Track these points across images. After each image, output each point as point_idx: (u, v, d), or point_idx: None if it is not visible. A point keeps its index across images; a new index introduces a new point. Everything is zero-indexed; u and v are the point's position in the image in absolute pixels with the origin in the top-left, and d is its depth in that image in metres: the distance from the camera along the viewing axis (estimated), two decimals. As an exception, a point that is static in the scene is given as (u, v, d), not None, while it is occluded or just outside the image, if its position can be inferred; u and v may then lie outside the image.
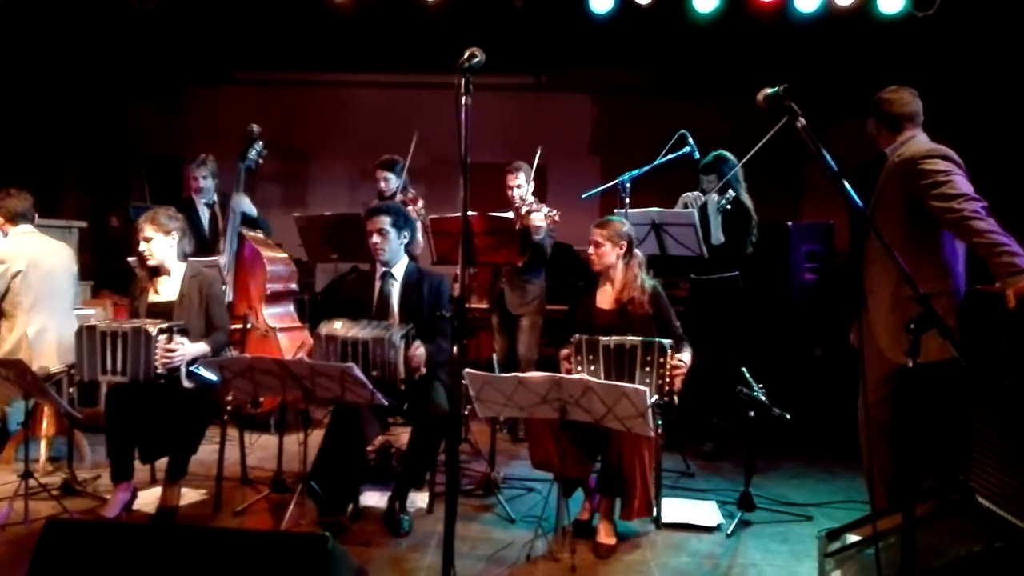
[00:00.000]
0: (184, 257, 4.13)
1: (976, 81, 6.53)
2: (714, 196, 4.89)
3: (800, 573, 3.45)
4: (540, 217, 5.07)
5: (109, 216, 8.07)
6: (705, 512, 4.07)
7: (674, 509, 4.06)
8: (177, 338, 3.82)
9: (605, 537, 3.63)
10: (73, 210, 7.20)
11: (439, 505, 4.02)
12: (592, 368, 3.81)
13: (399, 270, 4.17)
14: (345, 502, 3.80)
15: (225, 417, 4.27)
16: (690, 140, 5.03)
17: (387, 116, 7.72)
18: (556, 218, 5.13)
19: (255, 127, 5.49)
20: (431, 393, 3.92)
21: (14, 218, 4.58)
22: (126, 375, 3.75)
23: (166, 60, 8.02)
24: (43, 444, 4.54)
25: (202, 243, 5.31)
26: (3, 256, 4.45)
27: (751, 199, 5.01)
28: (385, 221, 4.07)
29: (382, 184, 5.57)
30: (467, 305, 2.75)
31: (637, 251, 4.08)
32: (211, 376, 3.81)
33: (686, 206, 5.07)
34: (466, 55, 2.67)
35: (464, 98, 2.65)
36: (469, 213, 2.75)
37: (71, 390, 4.61)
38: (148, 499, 4.01)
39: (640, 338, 3.78)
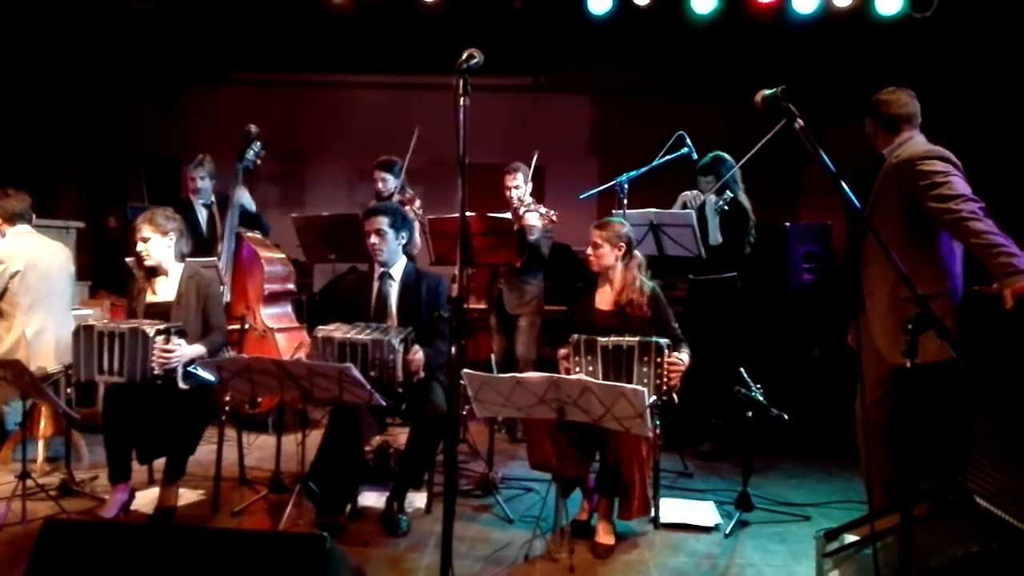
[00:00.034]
0: (182, 258, 4.12)
1: (974, 82, 6.54)
2: (712, 197, 4.90)
3: (798, 573, 3.45)
4: (535, 217, 5.07)
5: (107, 216, 8.08)
6: (703, 512, 4.08)
7: (672, 509, 4.06)
8: (174, 339, 3.82)
9: (603, 537, 3.63)
10: (71, 210, 7.20)
11: (437, 505, 4.03)
12: (590, 368, 3.81)
13: (397, 271, 4.17)
14: (343, 502, 3.80)
15: (223, 417, 4.28)
16: (688, 141, 5.03)
17: (385, 117, 7.71)
18: (554, 218, 5.14)
19: (253, 128, 5.49)
20: (429, 393, 3.92)
21: (12, 218, 4.57)
22: (123, 375, 3.75)
23: (164, 60, 8.02)
24: (41, 444, 4.53)
25: (200, 244, 5.30)
26: (1, 256, 4.45)
27: (749, 200, 5.02)
28: (383, 222, 4.07)
29: (380, 185, 5.58)
30: (465, 305, 2.76)
31: (637, 252, 4.09)
32: (209, 376, 3.80)
33: (685, 205, 5.08)
34: (464, 56, 2.68)
35: (463, 99, 2.65)
36: (467, 214, 2.75)
37: (69, 390, 4.62)
38: (146, 499, 4.01)
39: (638, 338, 3.78)
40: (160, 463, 3.97)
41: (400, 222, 4.14)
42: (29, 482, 3.85)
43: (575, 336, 3.87)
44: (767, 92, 2.51)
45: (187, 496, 4.12)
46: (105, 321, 4.29)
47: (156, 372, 3.74)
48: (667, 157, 5.03)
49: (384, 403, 3.57)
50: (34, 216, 4.71)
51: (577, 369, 3.83)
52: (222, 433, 4.26)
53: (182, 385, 3.84)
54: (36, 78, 7.22)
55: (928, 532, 2.70)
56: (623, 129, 8.16)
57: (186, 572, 2.39)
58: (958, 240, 3.28)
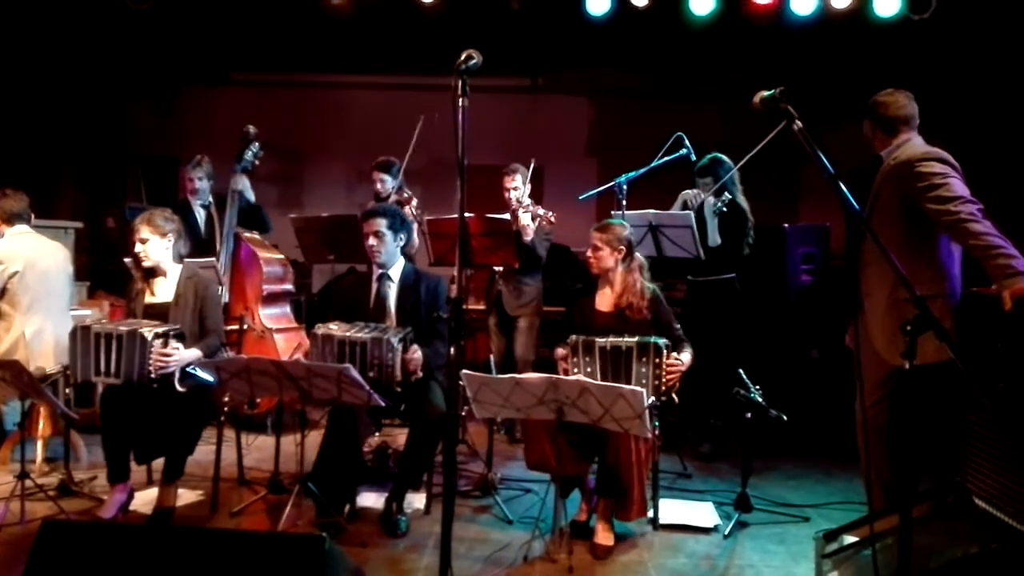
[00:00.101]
0: (180, 259, 4.12)
1: (972, 84, 6.55)
2: (710, 198, 4.90)
3: (797, 574, 3.46)
4: (528, 218, 5.07)
5: (105, 217, 8.08)
6: (702, 513, 4.08)
7: (671, 510, 4.06)
8: (172, 343, 3.81)
9: (602, 538, 3.63)
10: (69, 211, 7.20)
11: (436, 506, 4.03)
12: (588, 369, 3.81)
13: (396, 272, 4.17)
14: (342, 503, 3.79)
15: (222, 418, 4.27)
16: (686, 142, 5.04)
17: (384, 118, 7.70)
18: (552, 220, 5.14)
19: (251, 128, 5.49)
20: (428, 394, 3.91)
21: (10, 218, 4.57)
22: (119, 377, 3.74)
23: (163, 61, 8.01)
24: (39, 445, 4.52)
25: (198, 244, 5.30)
26: (0, 257, 4.45)
27: (747, 201, 5.02)
28: (381, 224, 4.07)
29: (378, 186, 5.58)
30: (464, 306, 2.76)
31: (638, 255, 4.09)
32: (207, 377, 3.80)
33: (685, 204, 5.09)
34: (463, 57, 2.68)
35: (461, 100, 2.66)
36: (466, 214, 2.75)
37: (67, 391, 4.62)
38: (145, 500, 4.01)
39: (636, 338, 3.78)
40: (159, 463, 3.97)
41: (398, 223, 4.14)
42: (28, 482, 3.85)
43: (573, 337, 3.87)
44: (766, 93, 2.51)
45: (186, 496, 4.12)
46: (103, 322, 4.29)
47: (153, 376, 3.74)
48: (666, 158, 5.03)
49: (383, 403, 3.57)
50: (33, 216, 4.71)
51: (575, 370, 3.83)
52: (221, 433, 4.25)
53: (179, 388, 3.83)
54: (35, 78, 7.21)
55: (927, 533, 2.70)
56: (621, 130, 8.16)
57: (185, 572, 2.39)
58: (957, 241, 3.29)
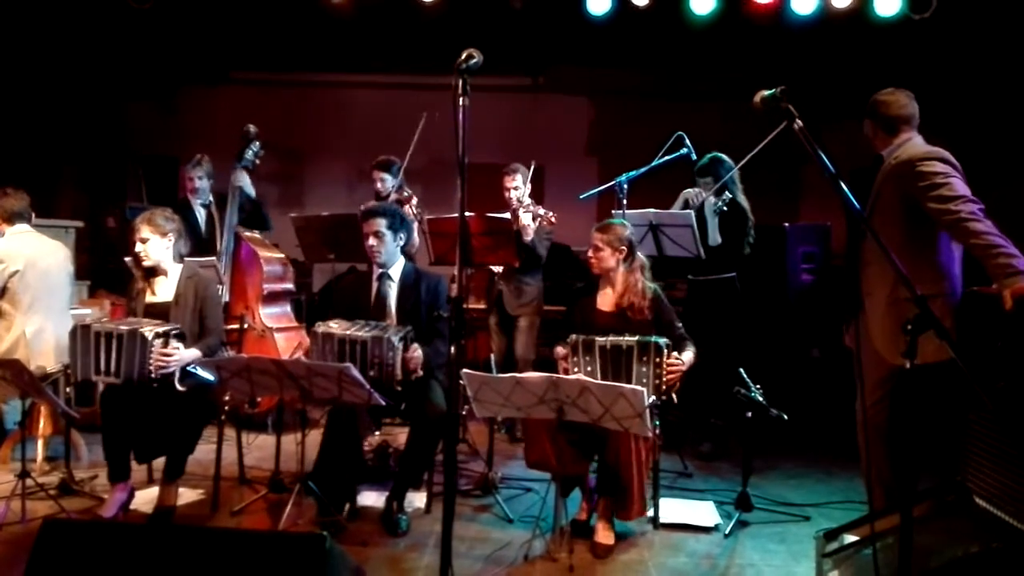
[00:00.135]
0: (180, 258, 4.12)
1: (973, 83, 6.54)
2: (711, 198, 4.90)
3: (798, 573, 3.46)
4: (528, 218, 5.07)
5: (106, 216, 8.07)
6: (703, 512, 4.08)
7: (672, 509, 4.06)
8: (173, 343, 3.81)
9: (603, 537, 3.63)
10: (70, 210, 7.19)
11: (437, 505, 4.03)
12: (588, 368, 3.81)
13: (396, 271, 4.17)
14: (343, 502, 3.80)
15: (222, 417, 4.28)
16: (687, 141, 5.04)
17: (384, 117, 7.71)
18: (553, 219, 5.14)
19: (252, 127, 5.49)
20: (429, 393, 3.91)
21: (11, 218, 4.57)
22: (119, 376, 3.74)
23: (163, 60, 8.00)
24: (40, 444, 4.52)
25: (198, 243, 5.30)
26: (1, 256, 4.45)
27: (748, 200, 5.02)
28: (381, 224, 4.07)
29: (379, 185, 5.58)
30: (465, 305, 2.76)
31: (640, 255, 4.08)
32: (208, 376, 3.80)
33: (687, 202, 5.09)
34: (464, 56, 2.68)
35: (462, 99, 2.65)
36: (467, 214, 2.75)
37: (68, 390, 4.62)
38: (145, 499, 4.01)
39: (636, 338, 3.78)
40: (159, 463, 3.97)
41: (398, 223, 4.14)
42: (28, 481, 3.85)
43: (573, 336, 3.87)
44: (766, 93, 2.51)
45: (186, 495, 4.12)
46: (104, 321, 4.29)
47: (153, 376, 3.74)
48: (666, 157, 5.04)
49: (383, 402, 3.57)
50: (33, 215, 4.71)
51: (575, 369, 3.83)
52: (221, 432, 4.26)
53: (179, 387, 3.83)
54: (35, 78, 7.21)
55: (928, 532, 2.70)
56: (622, 130, 8.16)
57: (185, 571, 2.39)
58: (958, 241, 3.29)
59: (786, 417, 3.84)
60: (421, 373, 3.89)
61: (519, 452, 4.39)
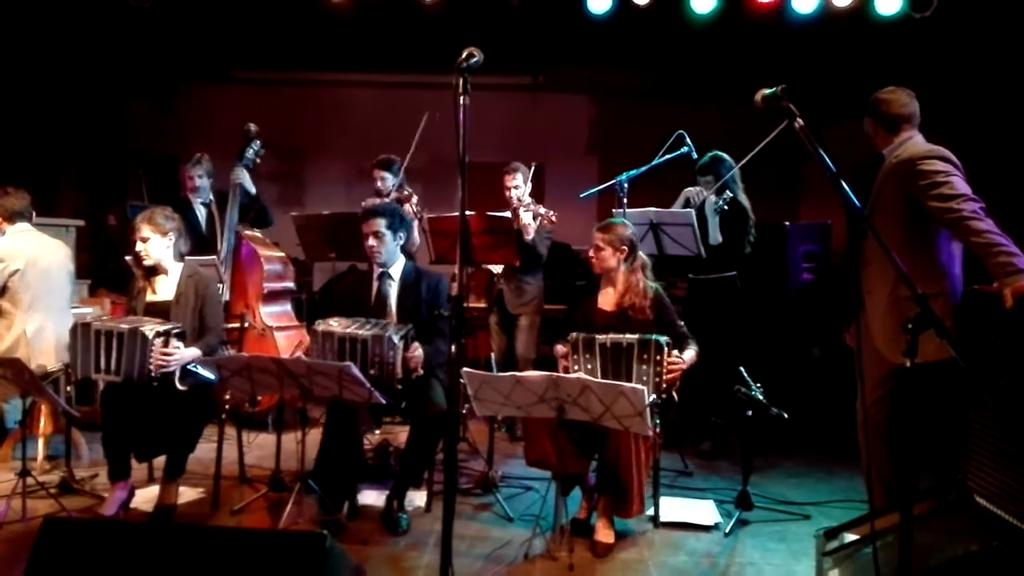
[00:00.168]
0: (181, 257, 4.12)
1: (973, 82, 6.54)
2: (712, 197, 4.90)
3: (798, 572, 3.46)
4: (528, 217, 5.07)
5: (106, 215, 8.08)
6: (703, 511, 4.08)
7: (672, 508, 4.06)
8: (174, 342, 3.81)
9: (603, 535, 3.63)
10: (70, 209, 7.19)
11: (437, 504, 4.03)
12: (589, 367, 3.81)
13: (396, 270, 4.17)
14: (343, 501, 3.80)
15: (223, 416, 4.28)
16: (687, 140, 5.04)
17: (384, 116, 7.71)
18: (553, 219, 5.14)
19: (252, 126, 5.49)
20: (429, 392, 3.91)
21: (12, 217, 4.57)
22: (120, 375, 3.74)
23: (163, 59, 8.00)
24: (41, 442, 4.53)
25: (199, 242, 5.29)
26: (1, 255, 4.45)
27: (749, 199, 5.02)
28: (381, 223, 4.07)
29: (379, 184, 5.58)
30: (465, 304, 2.76)
31: (641, 254, 4.08)
32: (208, 374, 3.80)
33: (688, 201, 5.09)
34: (464, 55, 2.67)
35: (462, 98, 2.65)
36: (467, 212, 2.75)
37: (68, 388, 4.62)
38: (146, 497, 4.01)
39: (637, 336, 3.78)
40: (160, 461, 3.97)
41: (398, 222, 4.13)
42: (29, 480, 3.85)
43: (574, 334, 3.87)
44: (767, 91, 2.51)
45: (187, 494, 4.12)
46: (104, 319, 4.29)
47: (153, 375, 3.74)
48: (667, 156, 5.04)
49: (384, 401, 3.57)
50: (34, 214, 4.71)
51: (576, 367, 3.82)
52: (222, 431, 4.26)
53: (180, 386, 3.83)
54: (35, 77, 7.21)
55: (928, 531, 2.70)
56: (622, 129, 8.16)
57: (186, 570, 2.39)
58: (958, 239, 3.29)
59: (786, 416, 3.84)
60: (422, 372, 3.89)
61: (519, 451, 4.38)
